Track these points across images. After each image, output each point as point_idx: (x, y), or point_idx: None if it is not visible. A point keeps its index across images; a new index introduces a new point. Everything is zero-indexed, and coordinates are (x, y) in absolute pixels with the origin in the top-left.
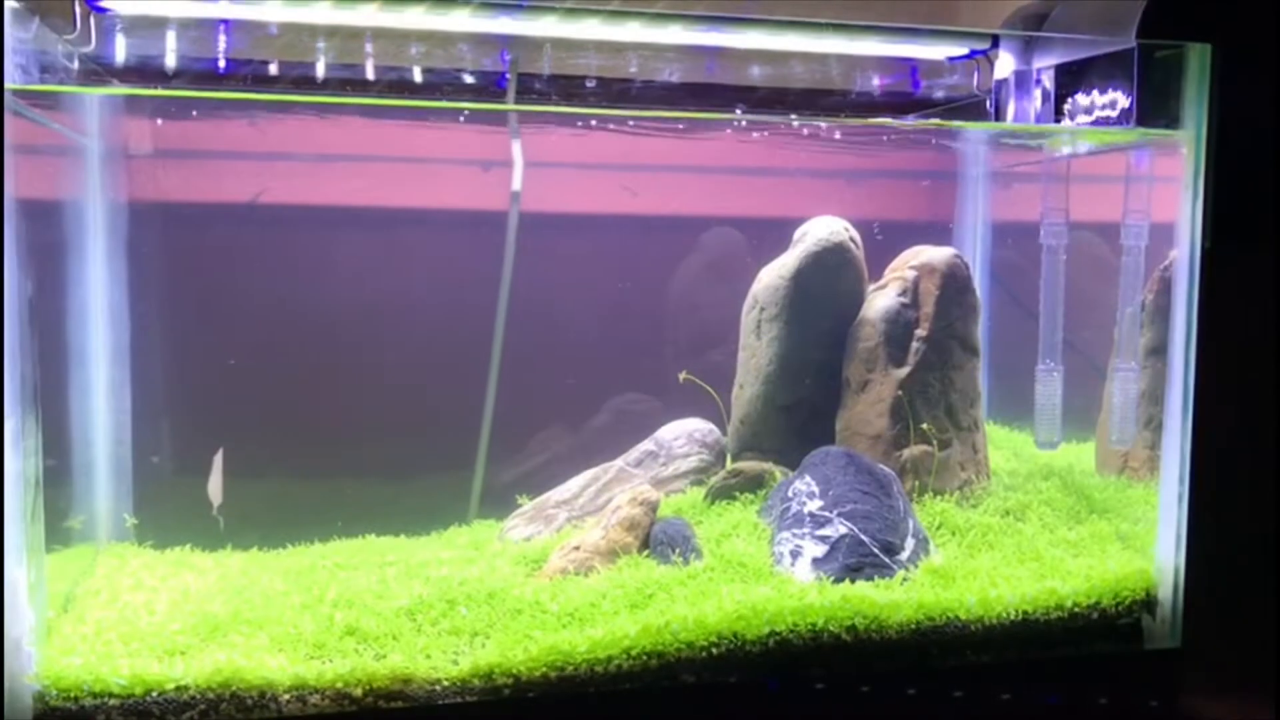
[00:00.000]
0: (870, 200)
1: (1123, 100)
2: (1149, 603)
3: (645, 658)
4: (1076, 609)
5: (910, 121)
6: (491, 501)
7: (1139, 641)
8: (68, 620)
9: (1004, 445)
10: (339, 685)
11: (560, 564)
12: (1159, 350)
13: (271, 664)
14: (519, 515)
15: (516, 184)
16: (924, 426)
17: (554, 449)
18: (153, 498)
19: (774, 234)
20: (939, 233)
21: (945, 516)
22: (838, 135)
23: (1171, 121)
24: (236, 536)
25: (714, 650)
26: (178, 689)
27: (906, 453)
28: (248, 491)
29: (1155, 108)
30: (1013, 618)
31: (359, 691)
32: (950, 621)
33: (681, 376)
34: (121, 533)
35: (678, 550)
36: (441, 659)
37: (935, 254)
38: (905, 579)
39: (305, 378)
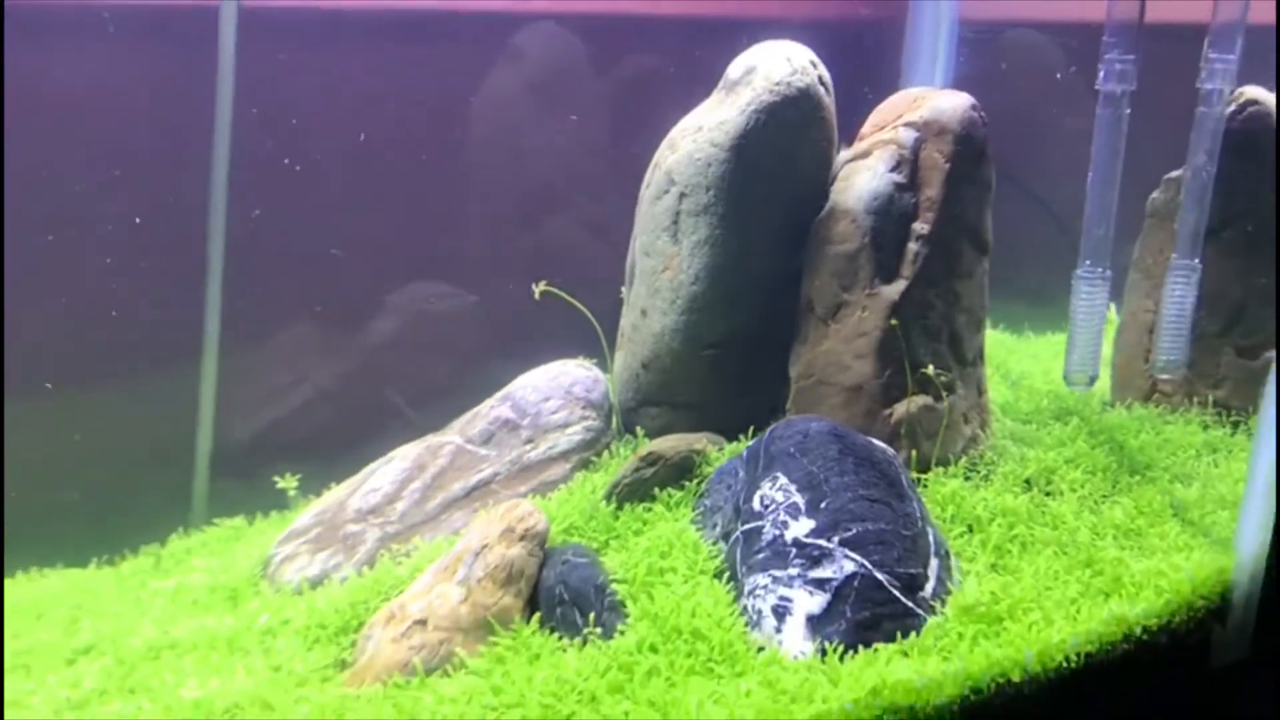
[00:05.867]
0: None
1: None
2: (1223, 609)
3: None
4: (1146, 637)
5: None
6: (225, 474)
7: (1205, 660)
8: None
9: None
10: None
11: (397, 654)
12: (1206, 234)
13: None
14: (297, 537)
15: None
16: (928, 370)
17: (316, 379)
18: None
19: (634, 37)
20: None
21: (958, 504)
22: None
23: None
24: None
25: None
26: None
27: (900, 410)
28: None
29: None
30: (1073, 664)
31: None
32: (1000, 689)
33: (538, 289)
34: None
35: (590, 613)
36: None
37: (944, 104)
38: (938, 630)
39: None
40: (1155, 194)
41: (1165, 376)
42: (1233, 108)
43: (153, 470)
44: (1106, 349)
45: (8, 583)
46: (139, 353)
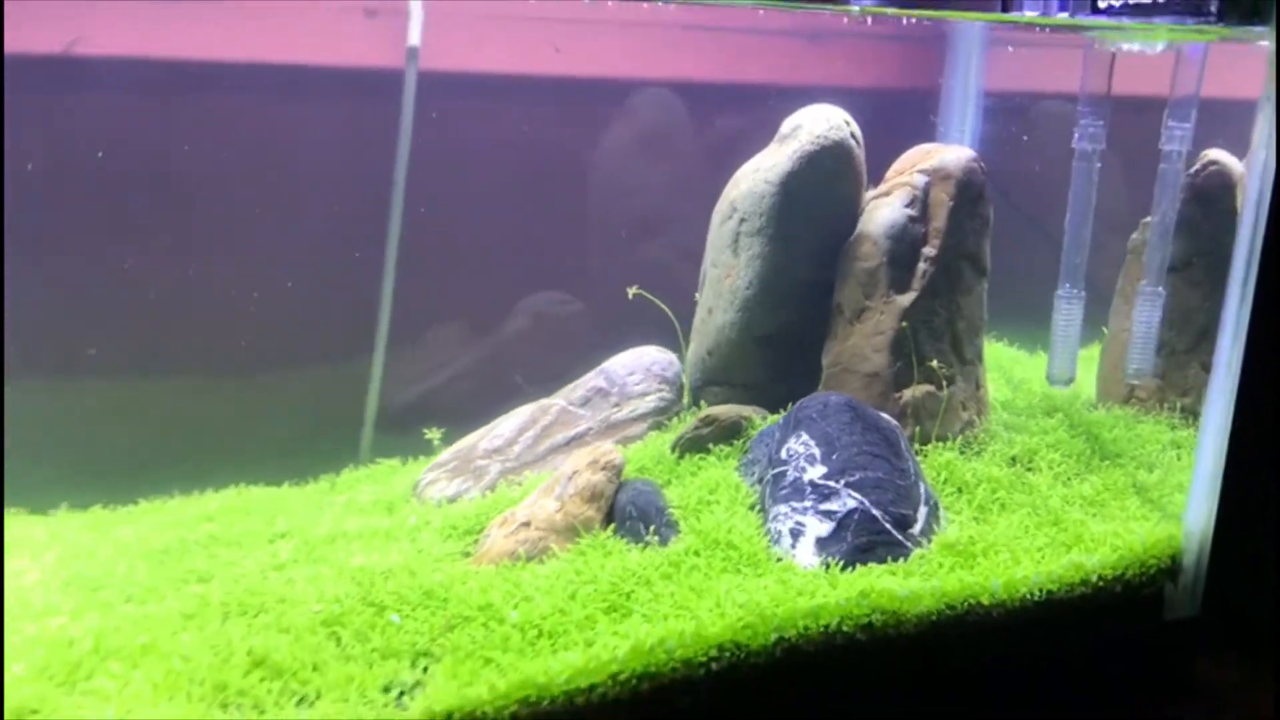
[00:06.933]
0: (837, 63)
1: None
2: (1174, 570)
3: (635, 682)
4: (1101, 584)
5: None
6: (386, 430)
7: (1159, 612)
8: None
9: (990, 365)
10: None
11: (507, 545)
12: (1177, 268)
13: None
14: (439, 467)
15: (414, 37)
16: (932, 364)
17: (460, 362)
18: None
19: (722, 101)
20: (916, 104)
21: (950, 470)
22: None
23: (1249, 14)
24: (72, 491)
25: (714, 666)
26: None
27: (908, 394)
28: (80, 430)
29: None
30: (1036, 599)
31: None
32: (972, 609)
33: (631, 292)
34: None
35: (652, 526)
36: (383, 700)
37: (950, 156)
38: (921, 558)
39: (150, 276)
40: (1134, 235)
41: (1135, 382)
42: (1198, 166)
43: (335, 423)
44: (1092, 358)
45: (228, 491)
46: (327, 338)
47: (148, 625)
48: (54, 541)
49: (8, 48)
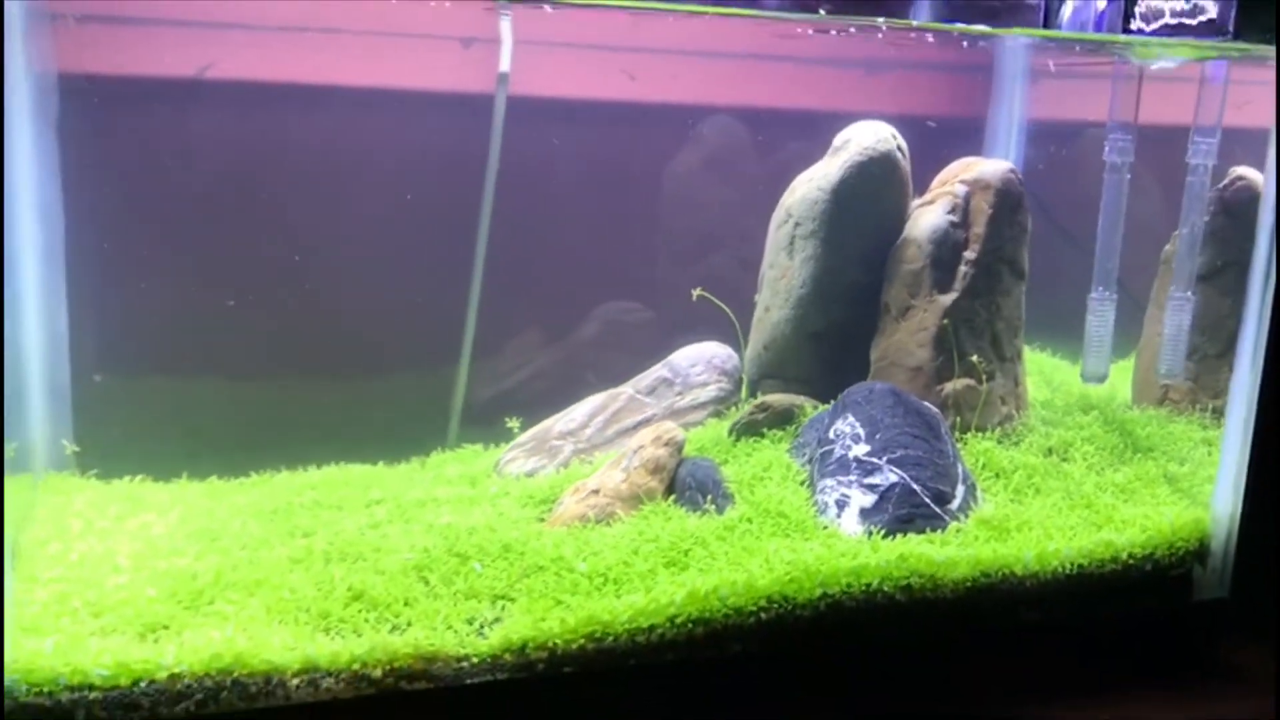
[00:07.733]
0: (892, 92)
1: (1206, 5)
2: (1202, 553)
3: (690, 625)
4: (1131, 561)
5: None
6: (470, 422)
7: (1188, 593)
8: (18, 580)
9: (1032, 370)
10: (356, 667)
11: (578, 510)
12: (1207, 277)
13: (274, 642)
14: (518, 447)
15: (504, 64)
16: (972, 359)
17: (538, 362)
18: (95, 421)
19: (783, 127)
20: (966, 132)
21: (989, 457)
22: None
23: (1263, 32)
24: (191, 463)
25: (763, 615)
26: (170, 677)
27: (949, 387)
28: (199, 410)
29: (1248, 15)
30: (1068, 572)
31: (378, 673)
32: (1006, 578)
33: (695, 294)
34: (60, 461)
35: (709, 496)
36: (466, 630)
37: (989, 167)
38: (958, 530)
39: (264, 281)
40: (1167, 246)
41: (1167, 381)
42: (1226, 181)
43: (425, 414)
44: (1129, 367)
45: (329, 468)
46: (420, 341)
47: (260, 567)
48: (176, 503)
49: (150, 72)
